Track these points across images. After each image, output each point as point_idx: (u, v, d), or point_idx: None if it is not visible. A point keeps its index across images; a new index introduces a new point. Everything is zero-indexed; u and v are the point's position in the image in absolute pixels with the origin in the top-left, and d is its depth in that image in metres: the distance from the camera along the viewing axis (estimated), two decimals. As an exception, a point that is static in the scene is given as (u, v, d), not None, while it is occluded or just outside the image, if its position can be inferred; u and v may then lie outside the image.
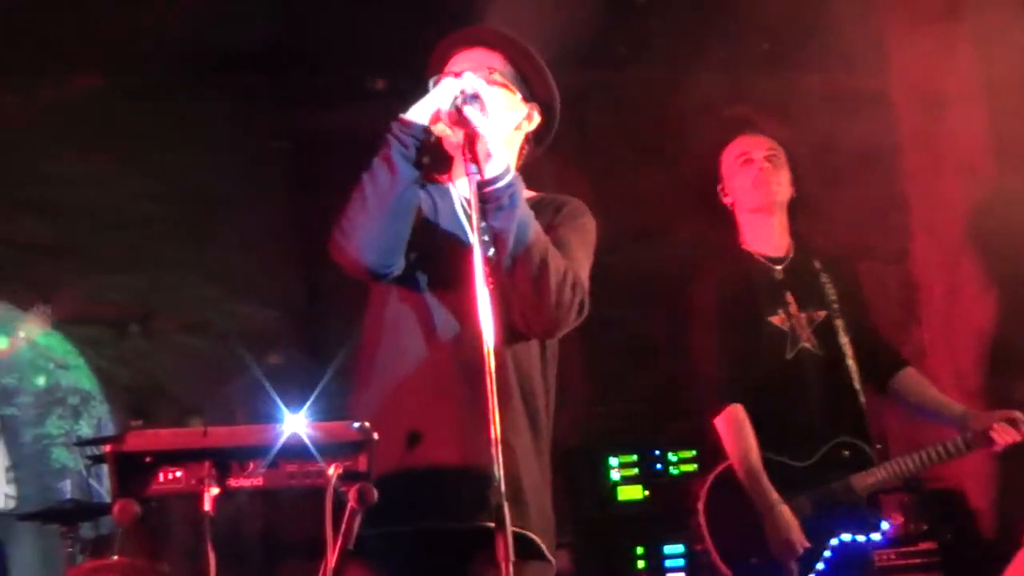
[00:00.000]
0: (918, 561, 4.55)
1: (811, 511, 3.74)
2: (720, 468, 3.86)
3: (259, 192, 5.80)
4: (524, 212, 2.60)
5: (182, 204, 5.62)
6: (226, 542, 2.29)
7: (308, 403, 2.41)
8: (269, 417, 2.39)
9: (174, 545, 4.82)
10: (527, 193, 2.69)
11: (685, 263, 4.57)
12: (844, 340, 3.89)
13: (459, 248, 2.69)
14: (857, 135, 5.05)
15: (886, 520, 3.79)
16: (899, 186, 5.60)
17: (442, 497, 2.57)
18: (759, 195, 3.95)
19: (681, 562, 4.89)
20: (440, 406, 2.60)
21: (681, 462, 5.04)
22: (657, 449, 5.05)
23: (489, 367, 2.34)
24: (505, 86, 2.75)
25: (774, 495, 3.71)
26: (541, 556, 2.64)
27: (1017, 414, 3.80)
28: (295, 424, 2.26)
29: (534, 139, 2.85)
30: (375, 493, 2.25)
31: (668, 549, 4.90)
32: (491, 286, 2.41)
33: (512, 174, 2.59)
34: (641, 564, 4.92)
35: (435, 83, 2.66)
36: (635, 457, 5.04)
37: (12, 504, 4.83)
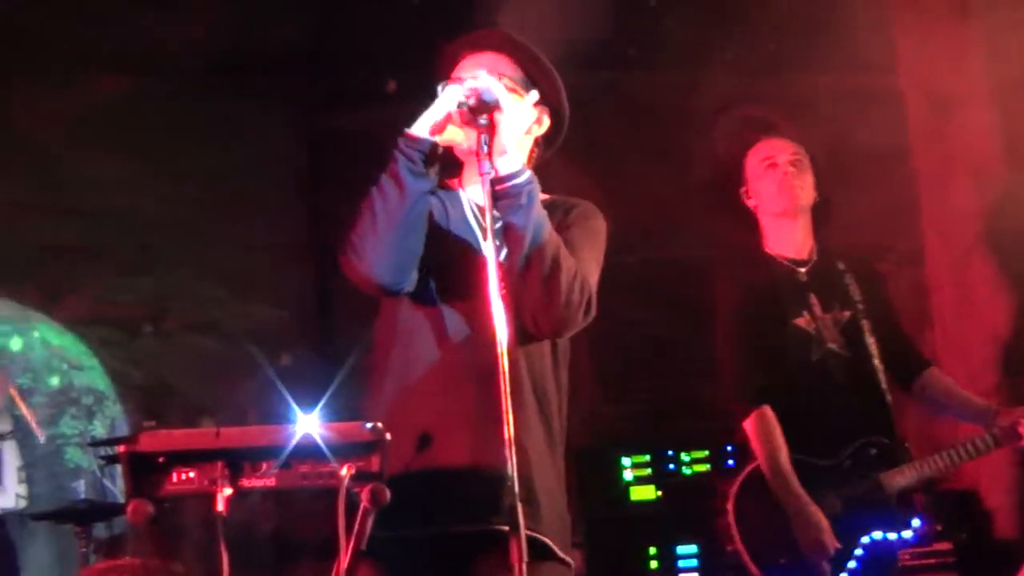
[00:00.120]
0: (933, 562, 4.54)
1: (841, 510, 3.75)
2: (749, 469, 3.87)
3: (272, 193, 5.81)
4: (539, 211, 2.61)
5: (195, 206, 5.63)
6: (239, 542, 2.30)
7: (321, 403, 2.42)
8: (282, 418, 2.40)
9: (187, 545, 4.83)
10: (540, 196, 2.70)
11: (697, 263, 4.58)
12: (870, 340, 3.91)
13: (469, 253, 2.69)
14: (867, 136, 5.05)
15: (917, 518, 3.81)
16: (910, 187, 5.58)
17: (454, 500, 2.57)
18: (784, 200, 3.96)
19: (694, 562, 4.89)
20: (452, 409, 2.60)
21: (694, 462, 5.03)
22: (670, 449, 5.04)
23: (503, 368, 2.35)
24: (514, 91, 2.74)
25: (804, 495, 3.72)
26: (556, 558, 2.64)
27: None
28: (308, 424, 2.27)
29: (544, 142, 2.86)
30: (388, 494, 2.25)
31: (681, 549, 4.90)
32: (503, 289, 2.42)
33: (529, 172, 2.60)
34: (654, 564, 4.92)
35: (443, 88, 2.67)
36: (648, 457, 5.04)
37: (24, 504, 4.85)
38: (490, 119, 2.55)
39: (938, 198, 5.49)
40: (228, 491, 2.25)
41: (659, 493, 5.00)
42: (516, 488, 2.29)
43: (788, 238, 3.99)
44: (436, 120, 2.61)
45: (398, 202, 2.58)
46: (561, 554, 2.64)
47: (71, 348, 5.65)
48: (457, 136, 2.67)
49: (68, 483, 5.37)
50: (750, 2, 5.09)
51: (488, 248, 2.46)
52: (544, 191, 2.71)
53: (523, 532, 2.27)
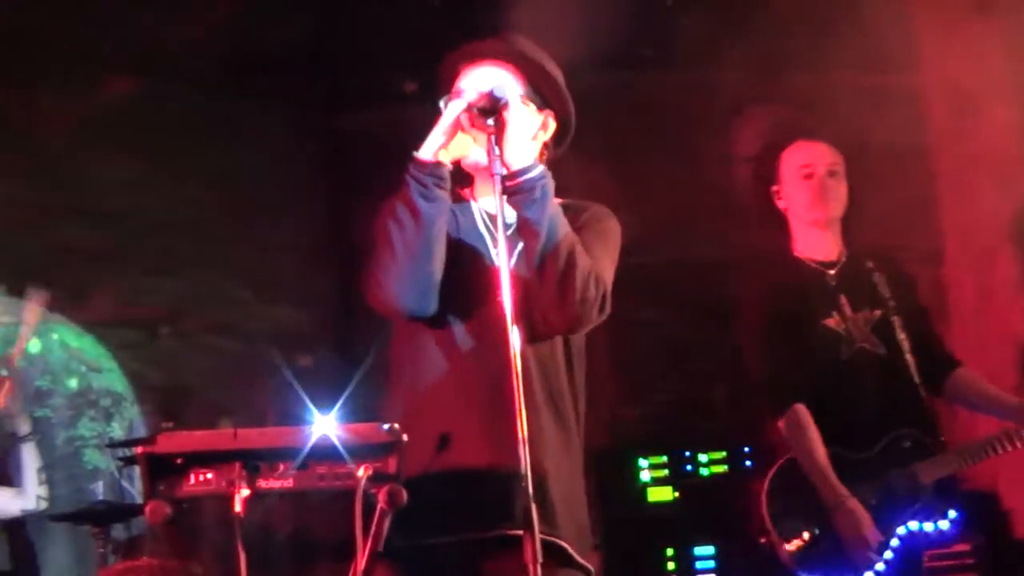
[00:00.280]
0: (950, 563, 4.52)
1: (876, 502, 3.78)
2: (779, 464, 3.91)
3: (291, 194, 5.82)
4: (554, 207, 2.61)
5: (214, 207, 5.64)
6: (256, 543, 2.30)
7: (338, 405, 2.42)
8: (299, 419, 2.40)
9: (205, 546, 4.84)
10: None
11: (714, 264, 4.57)
12: (902, 336, 3.95)
13: (480, 261, 2.70)
14: (887, 134, 5.02)
15: (954, 509, 3.83)
16: (930, 186, 5.56)
17: (469, 505, 2.57)
18: (818, 212, 4.01)
19: (711, 564, 4.88)
20: (466, 414, 2.61)
21: (711, 463, 5.03)
22: (687, 450, 5.04)
23: (516, 371, 2.34)
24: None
25: (844, 490, 3.77)
26: (574, 564, 2.63)
27: None
28: (325, 426, 2.27)
29: (552, 144, 2.85)
30: (404, 495, 2.25)
31: (698, 550, 4.89)
32: (515, 294, 2.42)
33: (542, 167, 2.61)
34: (671, 566, 4.91)
35: (446, 103, 2.67)
36: (665, 458, 5.03)
37: (44, 505, 4.86)
38: (500, 118, 2.55)
39: (959, 197, 5.46)
40: (245, 492, 2.26)
41: (676, 494, 4.99)
42: (530, 489, 2.28)
43: (818, 243, 4.03)
44: (443, 140, 2.61)
45: (414, 231, 2.58)
46: (580, 559, 2.63)
47: (89, 350, 5.66)
48: (465, 149, 2.67)
49: (87, 485, 5.37)
50: (768, 1, 5.08)
51: (501, 251, 2.46)
52: (560, 192, 2.72)
53: (537, 533, 2.26)
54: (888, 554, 3.76)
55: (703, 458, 5.03)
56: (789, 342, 3.87)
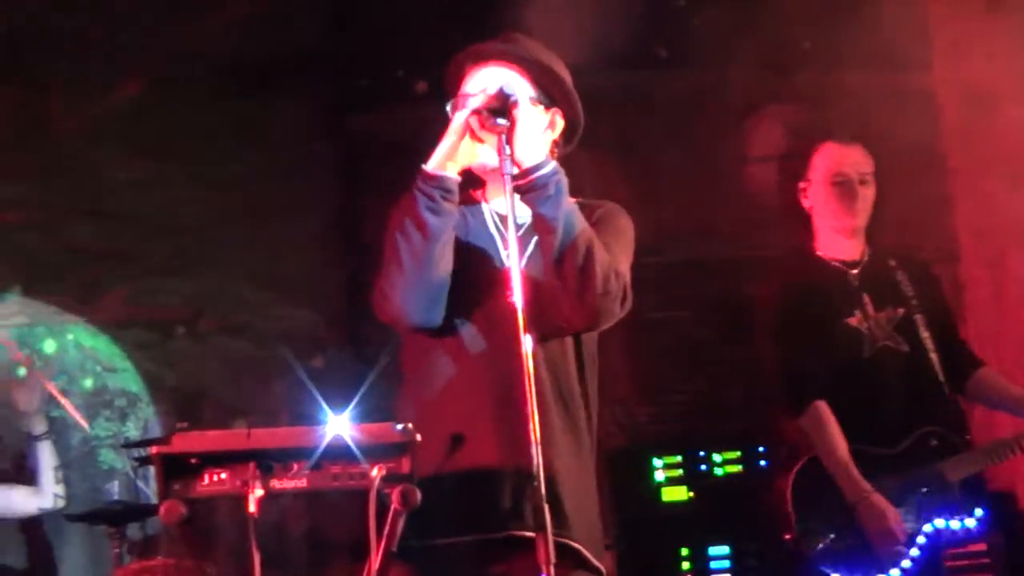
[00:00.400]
0: (966, 563, 4.51)
1: (902, 498, 3.78)
2: (801, 462, 3.92)
3: (304, 195, 5.82)
4: (568, 203, 2.60)
5: (227, 208, 5.65)
6: (270, 543, 2.31)
7: (351, 405, 2.42)
8: (313, 419, 2.40)
9: (220, 546, 4.85)
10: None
11: (730, 264, 4.56)
12: (925, 335, 3.96)
13: (489, 262, 2.70)
14: (900, 133, 5.01)
15: (981, 507, 3.83)
16: (943, 184, 5.54)
17: (479, 506, 2.57)
18: (847, 221, 4.03)
19: (726, 563, 4.87)
20: (477, 415, 2.61)
21: (726, 463, 5.01)
22: (702, 450, 5.02)
23: (528, 370, 2.34)
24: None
25: (867, 485, 3.78)
26: (588, 566, 2.63)
27: None
28: (338, 426, 2.27)
29: (561, 143, 2.85)
30: (418, 495, 2.25)
31: (713, 550, 4.88)
32: (525, 295, 2.42)
33: (554, 163, 2.60)
34: (686, 565, 4.89)
35: (452, 108, 2.67)
36: (679, 458, 5.01)
37: (61, 503, 4.89)
38: (510, 117, 2.55)
39: (973, 196, 5.44)
40: (260, 492, 2.26)
41: (691, 494, 4.97)
42: (543, 489, 2.28)
43: (841, 245, 4.05)
44: (450, 151, 2.61)
45: (422, 244, 2.58)
46: (594, 561, 2.63)
47: (104, 350, 5.68)
48: (473, 156, 2.67)
49: (102, 484, 5.39)
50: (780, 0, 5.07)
51: (512, 252, 2.46)
52: (574, 192, 2.72)
53: (550, 533, 2.26)
54: (915, 551, 3.75)
55: (718, 458, 5.01)
56: (810, 340, 3.87)
